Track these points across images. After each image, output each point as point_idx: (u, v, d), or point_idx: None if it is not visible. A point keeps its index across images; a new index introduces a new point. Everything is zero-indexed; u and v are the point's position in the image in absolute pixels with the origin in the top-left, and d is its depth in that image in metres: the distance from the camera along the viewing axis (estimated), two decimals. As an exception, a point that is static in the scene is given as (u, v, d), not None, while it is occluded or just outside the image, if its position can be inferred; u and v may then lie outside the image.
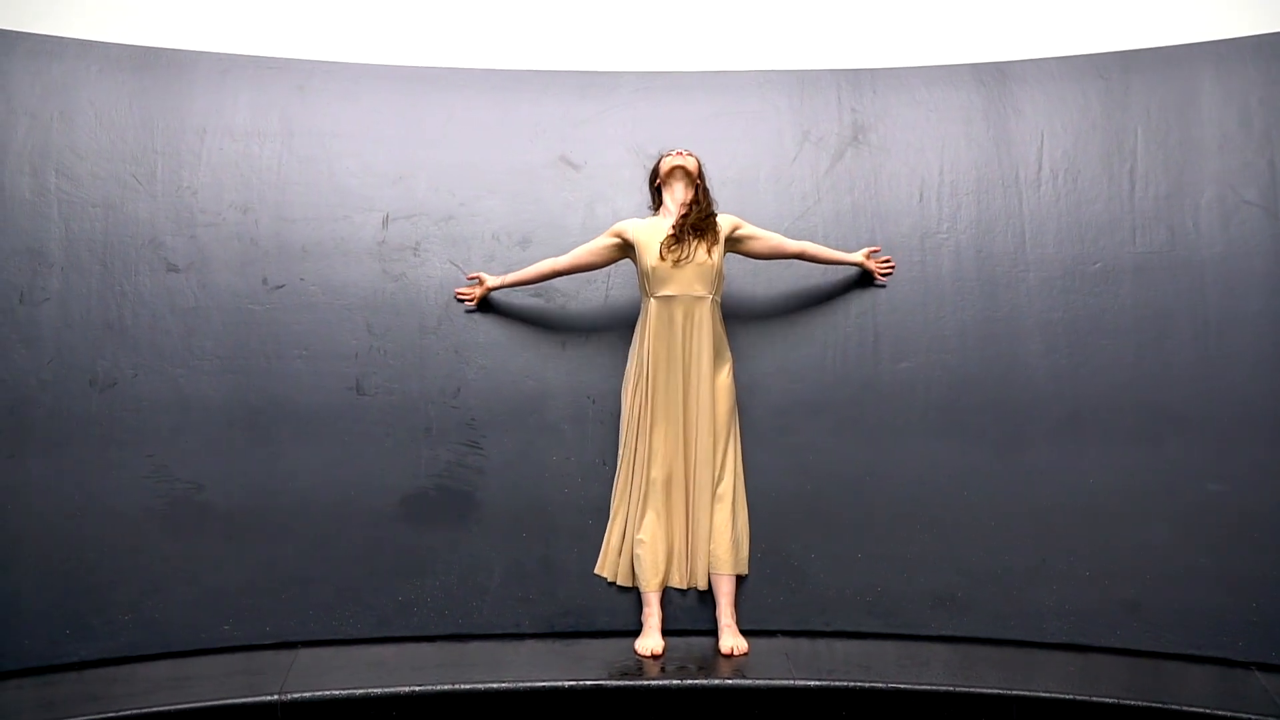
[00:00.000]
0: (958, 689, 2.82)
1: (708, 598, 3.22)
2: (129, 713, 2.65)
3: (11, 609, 3.03)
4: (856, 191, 3.48)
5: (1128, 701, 2.75)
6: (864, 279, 3.42)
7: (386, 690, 2.78)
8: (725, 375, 3.21)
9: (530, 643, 3.20)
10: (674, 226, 3.16)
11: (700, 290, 3.15)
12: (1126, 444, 3.25)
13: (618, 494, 3.26)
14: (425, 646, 3.16)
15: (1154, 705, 2.73)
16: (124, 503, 3.15)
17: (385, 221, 3.40)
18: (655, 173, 3.30)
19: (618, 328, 3.39)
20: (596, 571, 3.26)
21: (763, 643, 3.17)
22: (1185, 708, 2.72)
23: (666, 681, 2.85)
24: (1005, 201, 3.43)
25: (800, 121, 3.53)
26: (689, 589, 3.22)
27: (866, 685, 2.83)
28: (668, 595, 3.22)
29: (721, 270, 3.20)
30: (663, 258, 3.12)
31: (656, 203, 3.31)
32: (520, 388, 3.37)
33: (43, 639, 3.03)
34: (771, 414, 3.34)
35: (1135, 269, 3.32)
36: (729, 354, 3.24)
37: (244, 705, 2.71)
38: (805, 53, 3.64)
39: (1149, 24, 3.51)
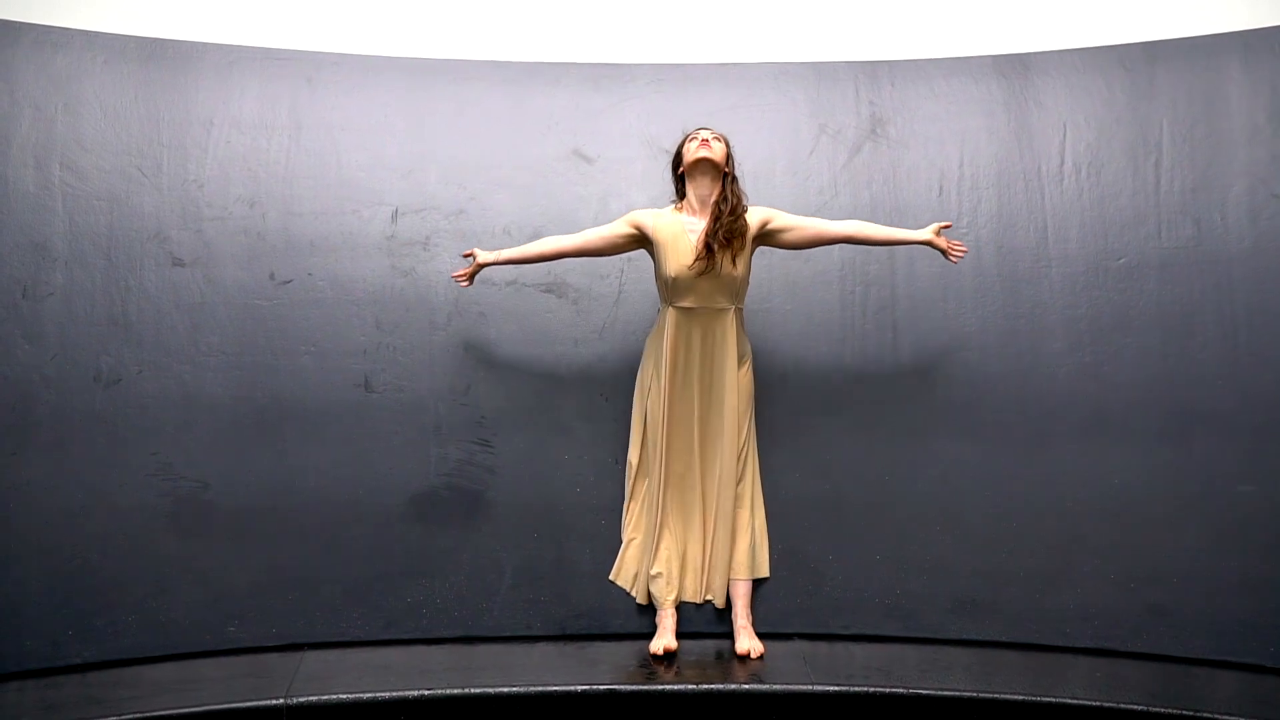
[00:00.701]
0: (980, 695, 2.76)
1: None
2: (132, 716, 2.60)
3: (13, 609, 2.99)
4: (875, 185, 3.41)
5: (1155, 709, 2.68)
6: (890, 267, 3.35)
7: (394, 694, 2.73)
8: (746, 374, 3.10)
9: (542, 646, 3.15)
10: (704, 239, 2.95)
11: (723, 302, 3.01)
12: (1152, 444, 3.18)
13: (631, 509, 3.18)
14: (434, 649, 3.11)
15: (1182, 713, 2.67)
16: (128, 501, 3.09)
17: (394, 216, 3.35)
18: (678, 158, 3.10)
19: (631, 324, 3.33)
20: (611, 578, 3.19)
21: (780, 646, 3.11)
22: (1215, 715, 2.65)
23: (682, 686, 2.79)
24: (1027, 196, 3.36)
25: (817, 114, 3.46)
26: (705, 603, 3.15)
27: (886, 691, 2.78)
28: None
29: (747, 277, 3.06)
30: (690, 268, 2.96)
31: (680, 191, 3.13)
32: (532, 385, 3.31)
33: (45, 640, 2.98)
34: (788, 413, 3.27)
35: (1161, 264, 3.25)
36: (749, 350, 3.14)
37: (249, 709, 2.66)
38: (822, 44, 3.58)
39: (1174, 14, 3.44)
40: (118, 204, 3.20)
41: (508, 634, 3.20)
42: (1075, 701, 2.72)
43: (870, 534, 3.26)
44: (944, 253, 3.07)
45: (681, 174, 3.09)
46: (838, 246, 3.36)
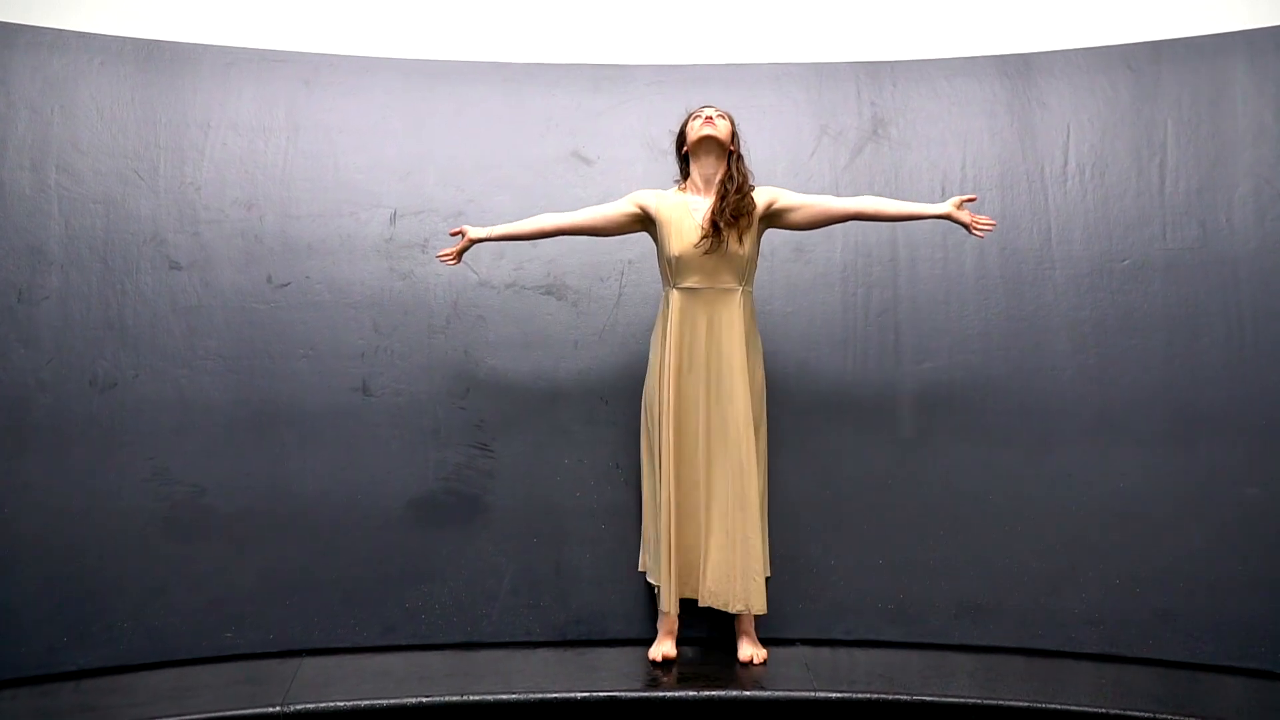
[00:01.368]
0: (984, 701, 2.72)
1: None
2: (127, 724, 2.57)
3: (8, 615, 2.96)
4: (876, 186, 3.37)
5: (1162, 715, 2.64)
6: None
7: (392, 701, 2.69)
8: (759, 372, 2.98)
9: (541, 651, 3.12)
10: (710, 216, 2.88)
11: (729, 282, 2.94)
12: (1158, 446, 3.15)
13: (646, 509, 3.06)
14: (433, 655, 3.08)
15: (1189, 719, 2.62)
16: (124, 506, 3.07)
17: (393, 218, 3.32)
18: (681, 137, 3.02)
19: (632, 327, 3.30)
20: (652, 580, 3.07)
21: (782, 651, 3.08)
22: (1223, 721, 2.62)
23: (682, 693, 2.76)
24: (1030, 197, 3.33)
25: (818, 115, 3.43)
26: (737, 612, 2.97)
27: (889, 697, 2.74)
28: (685, 601, 3.11)
29: (755, 258, 2.99)
30: (695, 246, 2.89)
31: (684, 171, 3.07)
32: (531, 388, 3.28)
33: (40, 646, 2.96)
34: (790, 416, 3.24)
35: (1166, 266, 3.22)
36: (761, 347, 3.04)
37: (246, 716, 2.63)
38: (823, 44, 3.55)
39: (1179, 13, 3.41)
40: (114, 207, 3.18)
41: (507, 640, 3.17)
42: (1080, 708, 2.68)
43: (873, 538, 3.23)
44: (967, 228, 2.95)
45: (685, 154, 3.02)
46: (840, 246, 3.34)
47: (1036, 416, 3.22)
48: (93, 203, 3.16)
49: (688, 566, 2.95)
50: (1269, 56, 3.23)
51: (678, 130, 3.06)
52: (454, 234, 3.07)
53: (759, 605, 2.90)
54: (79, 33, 3.24)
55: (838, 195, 3.33)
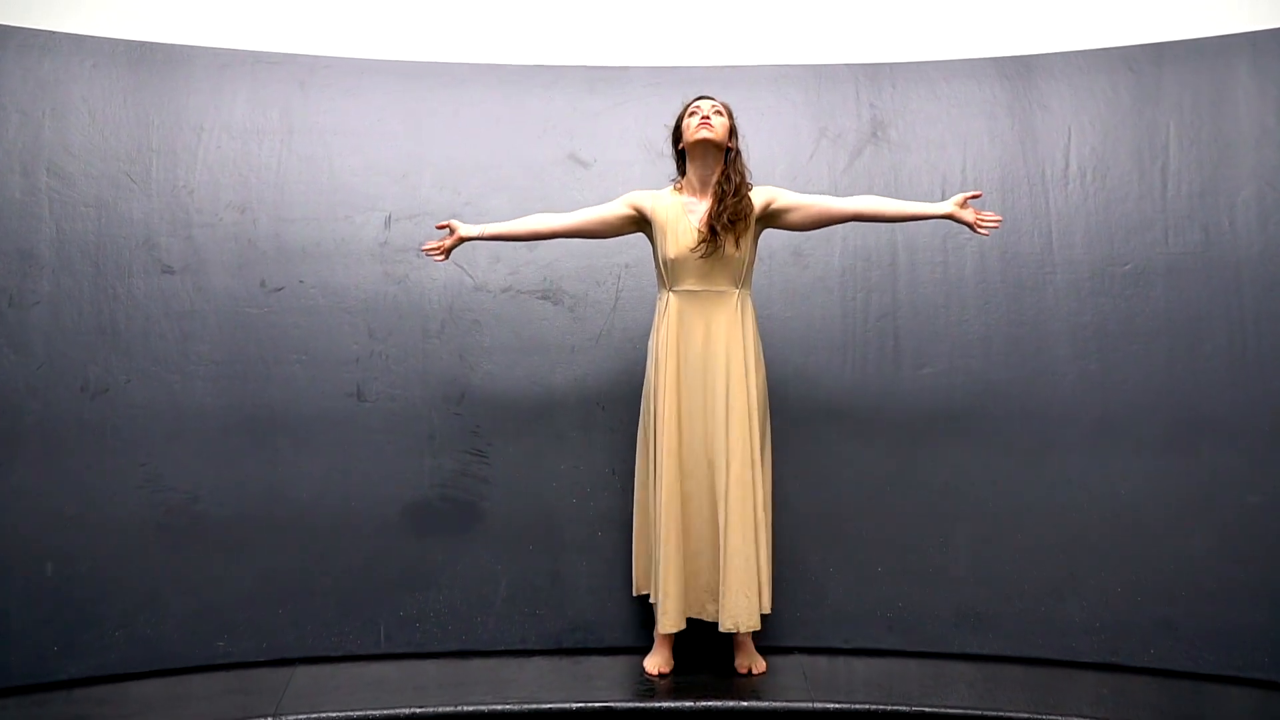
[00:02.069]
0: (984, 712, 2.70)
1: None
2: (117, 735, 2.55)
3: (-2, 624, 2.94)
4: (876, 190, 3.33)
5: (1164, 726, 2.63)
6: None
7: (386, 711, 2.67)
8: (759, 377, 2.91)
9: (537, 660, 3.09)
10: (707, 220, 2.83)
11: (726, 285, 2.89)
12: (1159, 453, 3.12)
13: (637, 523, 3.00)
14: (427, 664, 3.06)
15: (1192, 730, 2.62)
16: (116, 513, 3.04)
17: (388, 221, 3.30)
18: (677, 130, 2.95)
19: (629, 331, 3.27)
20: (637, 593, 3.02)
21: (779, 660, 3.05)
22: (1225, 732, 2.60)
23: (679, 703, 2.73)
24: (1031, 200, 3.30)
25: (817, 117, 3.40)
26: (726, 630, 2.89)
27: (888, 708, 2.71)
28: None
29: (753, 259, 2.95)
30: (692, 250, 2.84)
31: (680, 168, 2.99)
32: (527, 394, 3.25)
33: (30, 656, 2.93)
34: (788, 421, 3.20)
35: (1168, 270, 3.19)
36: (761, 351, 2.96)
37: (238, 727, 2.61)
38: (822, 46, 3.52)
39: (1181, 15, 3.37)
40: (106, 210, 3.15)
41: (502, 648, 3.14)
42: (1081, 718, 2.66)
43: (871, 545, 3.20)
44: (971, 227, 2.88)
45: (681, 149, 2.96)
46: (839, 250, 3.31)
47: (1037, 422, 3.19)
48: (84, 206, 3.14)
49: (685, 583, 2.87)
50: (1272, 58, 3.19)
51: (673, 123, 2.99)
52: (441, 227, 3.00)
53: (748, 623, 2.83)
54: (71, 35, 3.20)
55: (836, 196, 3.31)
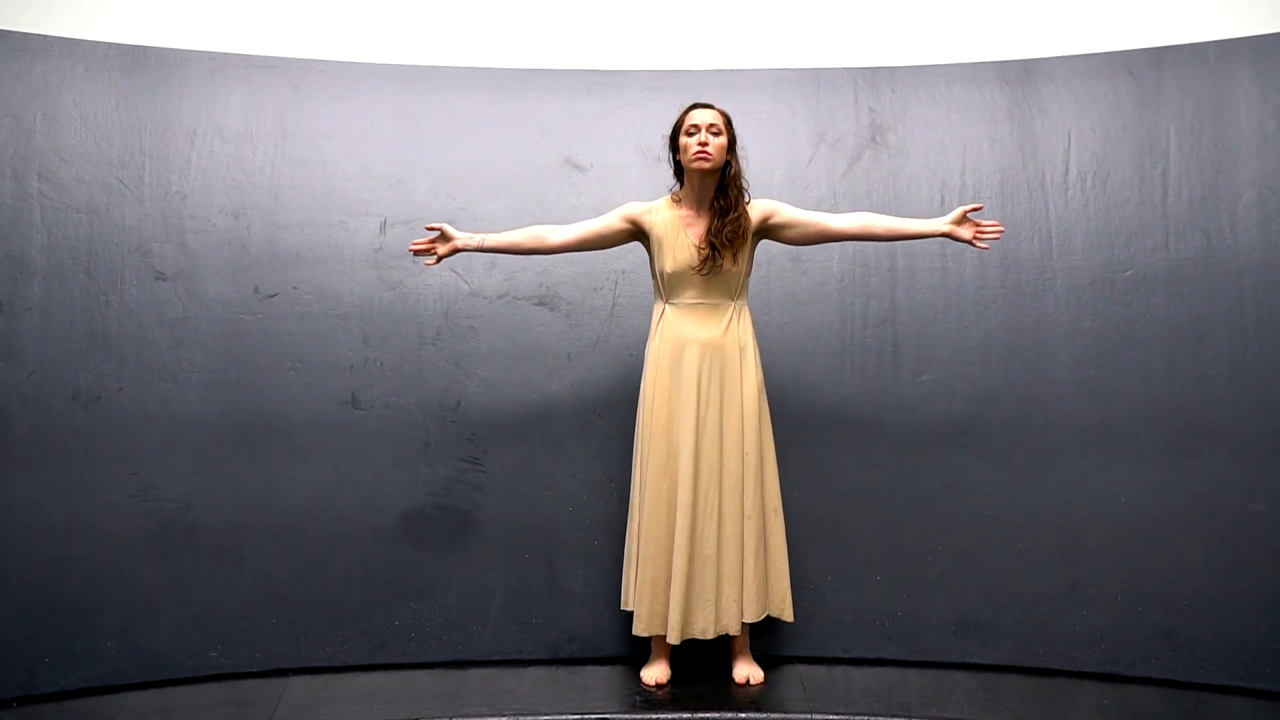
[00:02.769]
0: (985, 722, 2.68)
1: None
2: (108, 748, 2.52)
3: (-11, 635, 2.91)
4: (875, 195, 3.32)
5: (1166, 737, 2.61)
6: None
7: (380, 723, 2.65)
8: (758, 386, 2.88)
9: (533, 670, 3.07)
10: (706, 238, 2.83)
11: (723, 297, 2.88)
12: (1161, 461, 3.10)
13: (631, 533, 2.95)
14: (422, 674, 3.03)
15: (1194, 741, 2.60)
16: (108, 523, 3.01)
17: (383, 227, 3.27)
18: (675, 141, 2.90)
19: (626, 337, 3.25)
20: (624, 607, 2.98)
21: (778, 670, 3.03)
22: (1227, 744, 2.58)
23: (676, 714, 2.70)
24: (1031, 205, 3.28)
25: (816, 122, 3.38)
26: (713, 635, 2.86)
27: (887, 718, 2.69)
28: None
29: (749, 271, 2.94)
30: (694, 268, 2.83)
31: (678, 176, 2.95)
32: (523, 401, 3.22)
33: (20, 667, 2.90)
34: (786, 429, 3.17)
35: (1168, 276, 3.16)
36: (757, 354, 2.92)
37: (230, 739, 2.59)
38: (821, 50, 3.49)
39: (1182, 19, 3.35)
40: (98, 216, 3.12)
41: (498, 658, 3.12)
42: (1083, 729, 2.65)
43: (870, 553, 3.18)
44: (970, 243, 2.87)
45: (679, 158, 2.91)
46: (837, 256, 3.28)
47: (1037, 429, 3.17)
48: (76, 212, 3.11)
49: (672, 595, 2.82)
50: (1273, 63, 3.17)
51: (670, 132, 2.94)
52: (431, 229, 2.90)
53: (731, 626, 2.83)
54: (62, 38, 3.17)
55: (835, 203, 3.30)
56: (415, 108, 3.34)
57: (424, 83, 3.35)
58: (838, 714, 2.71)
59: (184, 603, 3.03)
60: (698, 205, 2.90)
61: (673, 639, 2.81)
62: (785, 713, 2.72)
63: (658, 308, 2.95)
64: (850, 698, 2.86)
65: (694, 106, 2.91)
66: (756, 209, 2.90)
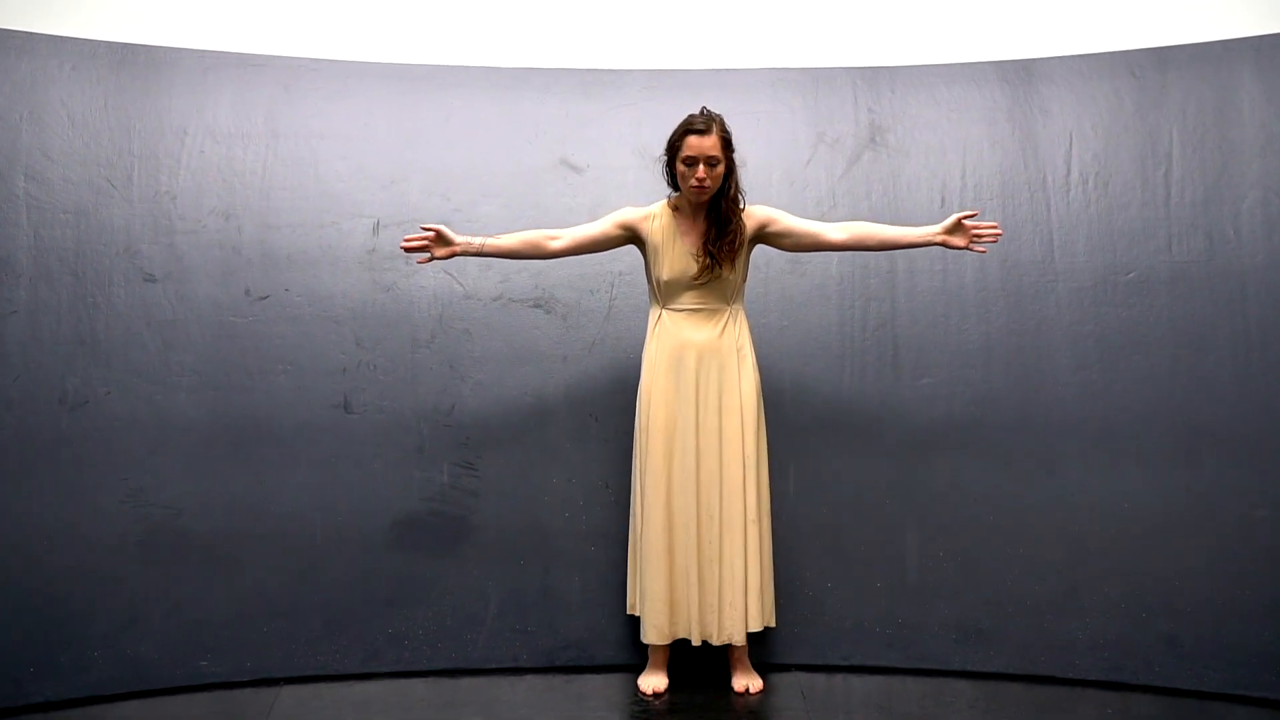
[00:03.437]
0: (986, 731, 2.66)
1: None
2: (95, 761, 2.48)
3: (-27, 644, 2.86)
4: (874, 196, 3.29)
5: (1169, 746, 2.58)
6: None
7: (373, 734, 2.61)
8: (755, 391, 2.88)
9: (529, 678, 3.03)
10: (704, 247, 2.83)
11: (719, 302, 2.89)
12: (1163, 465, 3.07)
13: (633, 538, 2.95)
14: (416, 682, 2.99)
15: (1198, 750, 2.57)
16: (96, 529, 2.96)
17: (376, 228, 3.22)
18: (672, 151, 2.85)
19: (623, 340, 3.21)
20: (630, 611, 2.99)
21: (777, 678, 3.00)
22: (1232, 753, 2.55)
23: (674, 724, 2.67)
24: (1032, 207, 3.24)
25: (815, 122, 3.34)
26: (708, 641, 2.85)
27: (889, 727, 2.67)
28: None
29: (746, 276, 2.94)
30: (693, 277, 2.83)
31: (672, 183, 2.91)
32: (518, 405, 3.18)
33: (5, 678, 2.85)
34: (785, 433, 3.15)
35: (1171, 279, 3.13)
36: (753, 357, 2.92)
37: (220, 751, 2.54)
38: (820, 49, 3.46)
39: (1185, 19, 3.32)
40: (85, 217, 3.07)
41: (493, 666, 3.08)
42: (1085, 738, 2.62)
43: (870, 559, 3.15)
44: (966, 248, 2.87)
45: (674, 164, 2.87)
46: (836, 258, 3.24)
47: (1038, 434, 3.14)
48: (63, 213, 3.05)
49: (672, 599, 2.83)
50: (1277, 63, 3.14)
51: (666, 146, 2.90)
52: (426, 229, 2.83)
53: (740, 635, 2.83)
54: (49, 36, 3.12)
55: (835, 203, 3.27)
56: (409, 107, 3.29)
57: (418, 82, 3.31)
58: (838, 723, 2.68)
59: (173, 611, 2.99)
60: (694, 213, 2.90)
61: (695, 640, 2.83)
62: (785, 722, 2.69)
63: (654, 312, 2.94)
64: (850, 706, 2.84)
65: (691, 130, 2.81)
66: (753, 216, 2.90)
